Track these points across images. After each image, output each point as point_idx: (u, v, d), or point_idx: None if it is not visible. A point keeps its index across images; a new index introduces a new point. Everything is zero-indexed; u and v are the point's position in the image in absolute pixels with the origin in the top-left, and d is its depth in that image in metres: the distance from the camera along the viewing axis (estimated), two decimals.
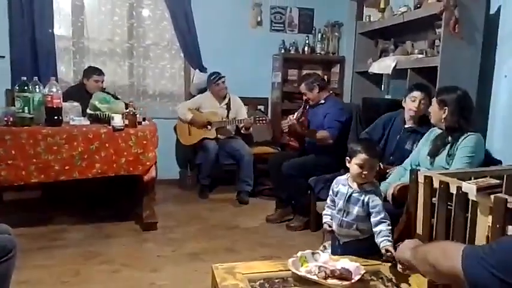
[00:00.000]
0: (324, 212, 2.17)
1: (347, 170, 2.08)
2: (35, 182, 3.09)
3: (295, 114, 3.52)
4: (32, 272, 2.53)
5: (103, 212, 3.68)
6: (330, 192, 2.15)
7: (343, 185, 2.06)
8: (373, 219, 1.93)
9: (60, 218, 3.51)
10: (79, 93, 3.88)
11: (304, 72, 5.07)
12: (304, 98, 3.65)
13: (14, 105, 3.12)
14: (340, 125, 3.46)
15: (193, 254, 2.97)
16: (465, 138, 2.36)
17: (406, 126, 2.90)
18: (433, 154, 2.44)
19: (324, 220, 2.14)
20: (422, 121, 2.80)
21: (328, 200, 2.18)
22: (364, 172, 1.96)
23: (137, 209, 3.47)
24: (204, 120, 4.35)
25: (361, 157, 1.96)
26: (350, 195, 2.00)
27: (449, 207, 1.91)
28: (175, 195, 4.40)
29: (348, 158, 2.04)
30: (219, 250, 3.06)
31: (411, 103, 2.81)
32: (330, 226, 2.10)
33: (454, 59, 2.95)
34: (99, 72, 4.10)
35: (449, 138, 2.41)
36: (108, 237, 3.21)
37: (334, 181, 2.14)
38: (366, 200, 1.96)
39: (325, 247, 2.26)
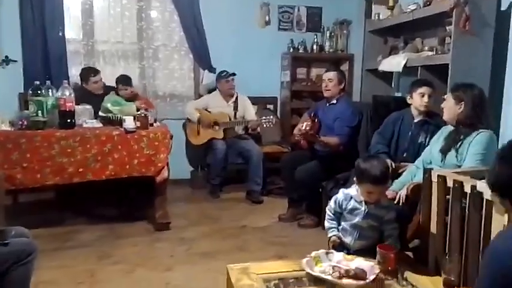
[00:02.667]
0: (327, 225, 2.13)
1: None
2: (49, 184, 3.14)
3: (304, 125, 3.32)
4: (48, 273, 2.57)
5: (116, 212, 3.72)
6: (333, 205, 2.12)
7: (356, 201, 2.05)
8: (386, 228, 2.04)
9: (74, 219, 3.56)
10: (84, 97, 3.77)
11: (313, 70, 5.09)
12: (324, 87, 3.60)
13: (28, 109, 3.17)
14: (350, 131, 3.47)
15: (206, 253, 3.00)
16: (477, 135, 2.34)
17: (415, 121, 2.91)
18: (445, 151, 2.43)
19: (330, 234, 2.10)
20: (431, 113, 2.84)
21: (329, 212, 2.14)
22: (373, 197, 2.01)
23: (150, 209, 3.50)
24: (211, 121, 4.36)
25: (368, 187, 1.99)
26: (367, 212, 2.02)
27: (463, 204, 1.90)
28: (187, 195, 4.43)
29: (355, 178, 2.04)
30: (231, 249, 3.08)
31: (420, 99, 2.84)
32: (339, 238, 2.08)
33: (466, 56, 2.94)
34: (94, 72, 4.10)
35: (461, 135, 2.40)
36: (121, 237, 3.25)
37: (342, 195, 2.10)
38: (382, 214, 2.04)
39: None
